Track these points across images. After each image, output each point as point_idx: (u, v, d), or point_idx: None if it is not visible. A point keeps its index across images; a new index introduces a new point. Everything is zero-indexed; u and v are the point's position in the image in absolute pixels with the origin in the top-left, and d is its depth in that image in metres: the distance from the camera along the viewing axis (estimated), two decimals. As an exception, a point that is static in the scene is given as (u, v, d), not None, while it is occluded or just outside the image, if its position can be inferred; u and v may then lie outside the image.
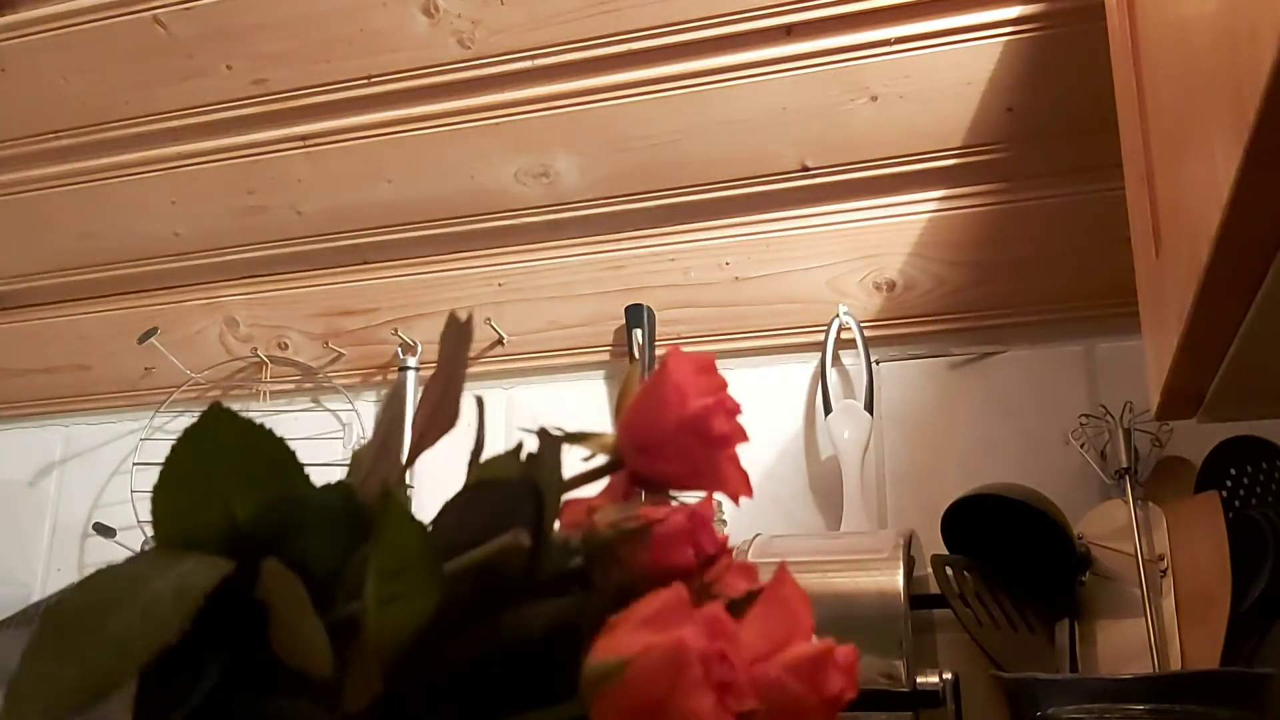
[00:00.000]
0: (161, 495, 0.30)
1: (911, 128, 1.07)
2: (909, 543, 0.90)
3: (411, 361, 1.23)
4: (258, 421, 0.30)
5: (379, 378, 1.27)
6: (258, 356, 1.31)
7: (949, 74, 1.04)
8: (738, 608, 0.30)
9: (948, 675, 0.85)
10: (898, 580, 0.86)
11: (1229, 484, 0.88)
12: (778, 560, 0.90)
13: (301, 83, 1.20)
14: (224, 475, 0.29)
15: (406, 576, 0.26)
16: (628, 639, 0.26)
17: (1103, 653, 0.87)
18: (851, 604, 0.86)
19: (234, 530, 0.28)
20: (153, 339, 1.28)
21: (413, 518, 0.27)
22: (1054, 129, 1.03)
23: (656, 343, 1.16)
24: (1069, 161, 1.03)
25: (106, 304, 1.37)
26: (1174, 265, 0.55)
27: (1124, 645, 0.86)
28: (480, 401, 0.37)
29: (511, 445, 0.34)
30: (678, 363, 0.34)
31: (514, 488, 0.31)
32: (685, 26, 1.08)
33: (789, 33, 1.07)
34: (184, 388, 1.31)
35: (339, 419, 1.28)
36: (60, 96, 1.27)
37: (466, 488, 0.32)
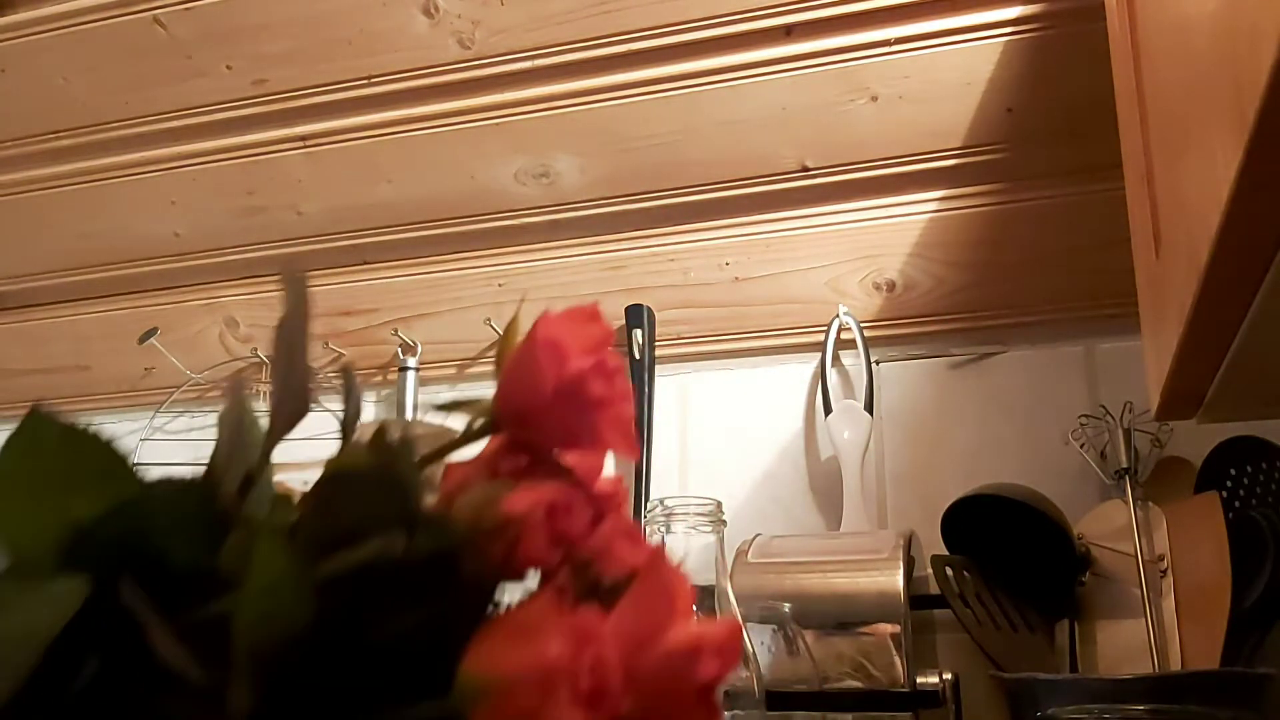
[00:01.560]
0: None
1: (911, 128, 1.06)
2: (909, 543, 0.90)
3: (411, 362, 1.23)
4: (80, 425, 0.30)
5: (379, 378, 1.27)
6: (258, 356, 1.31)
7: (949, 74, 1.04)
8: (618, 590, 0.30)
9: (948, 675, 0.85)
10: (898, 580, 0.86)
11: (1229, 484, 0.88)
12: (778, 560, 0.91)
13: (301, 83, 1.20)
14: (54, 479, 0.29)
15: (278, 593, 0.26)
16: (499, 651, 0.27)
17: (1103, 653, 0.87)
18: (851, 604, 0.86)
19: (80, 533, 0.28)
20: (153, 339, 1.28)
21: (281, 547, 0.27)
22: (1054, 129, 1.03)
23: (657, 343, 1.16)
24: (1069, 161, 1.03)
25: (106, 304, 1.37)
26: (1174, 265, 0.55)
27: (1124, 645, 0.86)
28: (348, 373, 0.36)
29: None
30: (549, 324, 0.33)
31: (373, 479, 0.31)
32: (685, 26, 1.08)
33: (789, 33, 1.07)
34: (184, 388, 1.31)
35: (339, 419, 1.28)
36: (60, 96, 1.26)
37: (324, 479, 0.32)
